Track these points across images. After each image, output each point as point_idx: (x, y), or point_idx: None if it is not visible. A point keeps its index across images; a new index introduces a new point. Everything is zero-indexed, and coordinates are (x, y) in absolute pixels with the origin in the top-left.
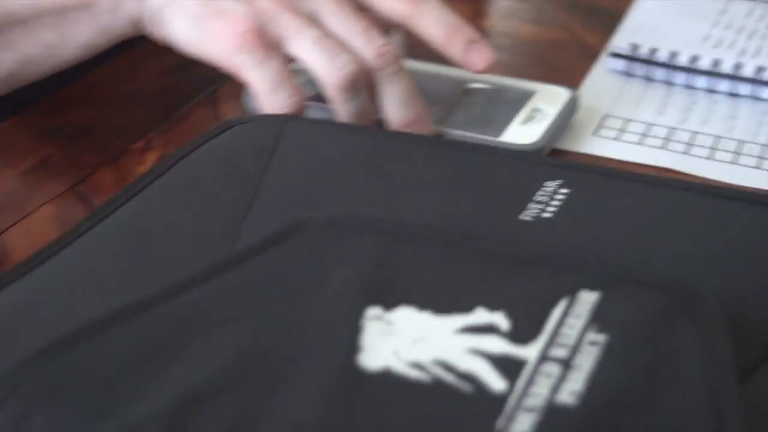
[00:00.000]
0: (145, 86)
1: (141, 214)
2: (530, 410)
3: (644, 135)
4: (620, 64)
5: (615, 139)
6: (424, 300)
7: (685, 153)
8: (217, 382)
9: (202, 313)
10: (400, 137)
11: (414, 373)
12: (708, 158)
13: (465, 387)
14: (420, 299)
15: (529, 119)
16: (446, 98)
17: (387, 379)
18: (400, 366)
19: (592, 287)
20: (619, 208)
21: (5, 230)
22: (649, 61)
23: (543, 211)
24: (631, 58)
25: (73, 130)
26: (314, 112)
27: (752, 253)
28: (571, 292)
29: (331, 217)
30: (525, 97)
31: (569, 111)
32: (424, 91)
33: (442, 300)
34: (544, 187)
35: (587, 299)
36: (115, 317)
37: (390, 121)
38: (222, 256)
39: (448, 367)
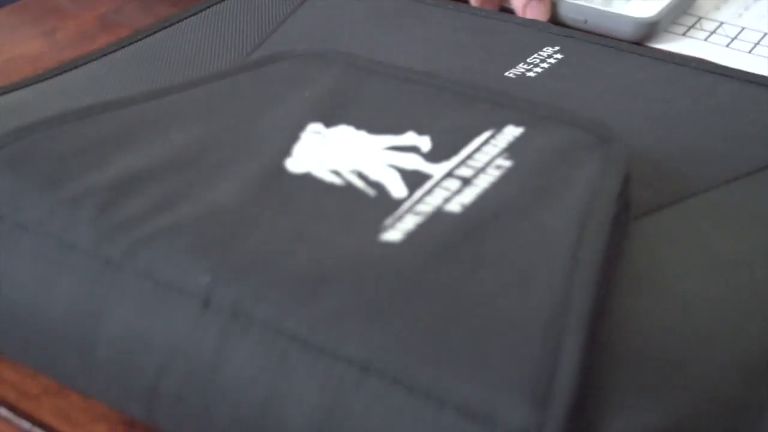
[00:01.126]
0: None
1: (161, 44)
2: (418, 213)
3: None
4: None
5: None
6: (363, 121)
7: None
8: (157, 168)
9: (166, 115)
10: (421, 2)
11: (331, 178)
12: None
13: (370, 192)
14: (360, 120)
15: None
16: None
17: (306, 180)
18: (321, 171)
19: (518, 123)
20: (604, 75)
21: None
22: None
23: (529, 70)
24: None
25: None
26: None
27: (713, 121)
28: (499, 126)
29: (310, 50)
30: None
31: None
32: None
33: (379, 123)
34: (541, 51)
35: (511, 132)
36: (86, 110)
37: None
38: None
39: (362, 175)
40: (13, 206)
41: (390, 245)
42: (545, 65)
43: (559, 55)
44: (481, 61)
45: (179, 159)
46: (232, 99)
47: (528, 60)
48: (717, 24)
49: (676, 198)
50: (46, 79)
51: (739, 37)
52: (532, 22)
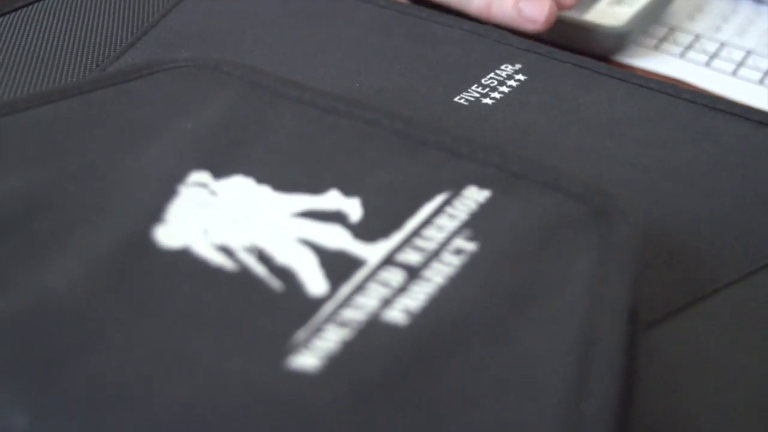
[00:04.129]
0: None
1: (17, 29)
2: (344, 325)
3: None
4: None
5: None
6: (267, 171)
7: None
8: None
9: (3, 144)
10: None
11: (218, 258)
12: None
13: (275, 284)
14: (263, 170)
15: (619, 1)
16: None
17: (182, 260)
18: (204, 247)
19: (483, 183)
20: (579, 106)
21: None
22: None
23: (485, 95)
24: None
25: None
26: None
27: (726, 178)
28: (457, 186)
29: (198, 59)
30: None
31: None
32: None
33: (290, 175)
34: (498, 70)
35: (473, 197)
36: None
37: None
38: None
39: (264, 256)
40: None
41: (302, 377)
42: (505, 89)
43: (521, 76)
44: (424, 78)
45: (14, 213)
46: (82, 129)
47: (483, 81)
48: (692, 37)
49: (697, 293)
50: None
51: (720, 54)
52: (485, 29)
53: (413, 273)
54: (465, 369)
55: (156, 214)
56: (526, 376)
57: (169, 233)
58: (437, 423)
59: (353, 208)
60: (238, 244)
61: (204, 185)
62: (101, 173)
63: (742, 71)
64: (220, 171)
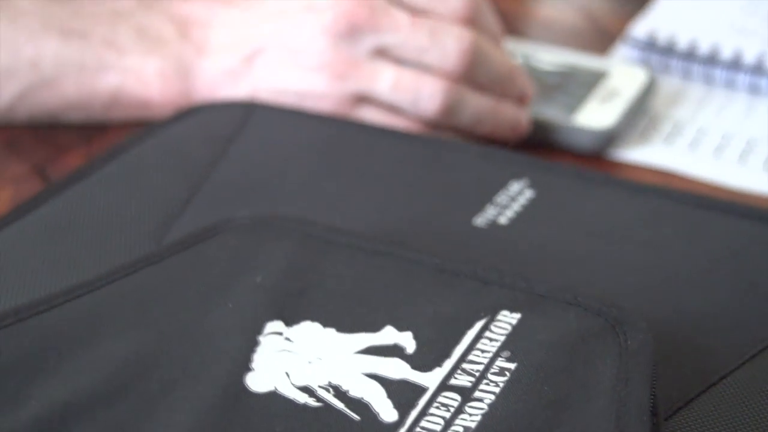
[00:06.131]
0: None
1: (77, 205)
2: None
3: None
4: (636, 53)
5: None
6: (330, 315)
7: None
8: (89, 399)
9: (93, 321)
10: (368, 129)
11: (302, 397)
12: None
13: (353, 415)
14: (326, 314)
15: (604, 101)
16: None
17: (272, 402)
18: (288, 389)
19: (513, 307)
20: (585, 216)
21: None
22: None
23: (500, 214)
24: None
25: None
26: None
27: (721, 272)
28: (492, 312)
29: (254, 217)
30: (598, 77)
31: (646, 93)
32: None
33: (350, 316)
34: (507, 187)
35: (506, 320)
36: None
37: None
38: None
39: (340, 393)
40: None
41: None
42: (518, 207)
43: (529, 192)
44: (444, 204)
45: (115, 384)
46: (169, 293)
47: (495, 200)
48: (672, 124)
49: (704, 384)
50: None
51: (701, 140)
52: (489, 152)
53: (466, 395)
54: None
55: (244, 364)
56: None
57: (258, 379)
58: None
59: (408, 341)
60: (315, 383)
61: (279, 333)
62: (191, 332)
63: (725, 152)
64: (290, 319)
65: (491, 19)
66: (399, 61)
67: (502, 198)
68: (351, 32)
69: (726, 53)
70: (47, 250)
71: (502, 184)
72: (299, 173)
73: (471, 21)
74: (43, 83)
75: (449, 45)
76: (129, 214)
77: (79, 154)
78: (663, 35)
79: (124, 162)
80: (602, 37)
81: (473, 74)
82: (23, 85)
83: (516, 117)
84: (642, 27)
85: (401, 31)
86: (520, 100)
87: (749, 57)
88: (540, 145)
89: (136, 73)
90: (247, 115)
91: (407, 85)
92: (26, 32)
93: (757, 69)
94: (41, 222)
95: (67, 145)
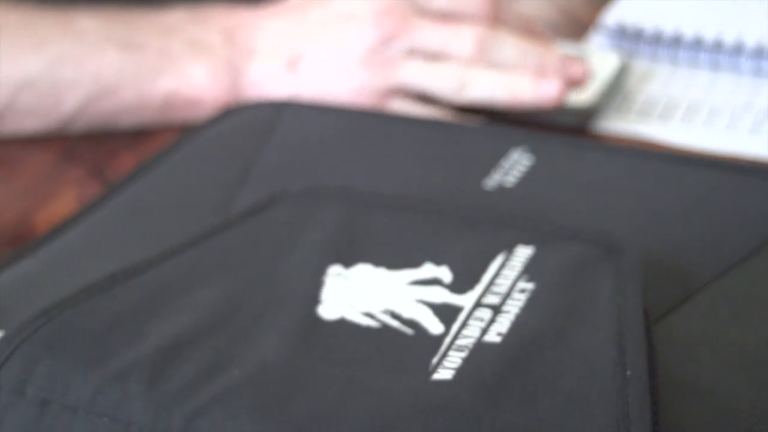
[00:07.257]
0: None
1: (147, 193)
2: (461, 349)
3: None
4: (608, 40)
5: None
6: (379, 258)
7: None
8: (195, 332)
9: (187, 274)
10: (385, 118)
11: (366, 321)
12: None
13: (408, 331)
14: (376, 257)
15: None
16: None
17: (342, 326)
18: (354, 315)
19: (527, 242)
20: (578, 175)
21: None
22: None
23: (505, 178)
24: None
25: None
26: None
27: (693, 212)
28: (509, 247)
29: (305, 189)
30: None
31: (620, 74)
32: None
33: (395, 257)
34: (508, 155)
35: (522, 253)
36: (110, 280)
37: None
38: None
39: (395, 315)
40: (59, 389)
41: (443, 384)
42: (520, 171)
43: (529, 158)
44: (456, 173)
45: (214, 320)
46: (245, 250)
47: (500, 166)
48: (643, 100)
49: (683, 296)
50: (41, 246)
51: (670, 111)
52: (491, 127)
53: (496, 310)
54: (546, 364)
55: (315, 298)
56: (586, 361)
57: (328, 310)
58: (538, 402)
59: (444, 273)
60: (375, 310)
61: (339, 274)
62: (268, 278)
63: (692, 121)
64: (347, 263)
65: (513, 15)
66: (426, 56)
67: (505, 164)
68: (386, 40)
69: (688, 36)
70: (135, 227)
71: (504, 153)
72: (333, 155)
73: (494, 19)
74: (104, 92)
75: (465, 35)
76: (196, 195)
77: (132, 156)
78: (631, 23)
79: (182, 156)
80: (576, 28)
81: (489, 56)
82: (86, 95)
83: (535, 90)
84: (612, 17)
85: (427, 34)
86: (573, 82)
87: (709, 38)
88: (530, 123)
89: (189, 77)
90: (281, 111)
91: (434, 73)
92: (89, 48)
93: (716, 48)
94: (123, 208)
95: (119, 148)
